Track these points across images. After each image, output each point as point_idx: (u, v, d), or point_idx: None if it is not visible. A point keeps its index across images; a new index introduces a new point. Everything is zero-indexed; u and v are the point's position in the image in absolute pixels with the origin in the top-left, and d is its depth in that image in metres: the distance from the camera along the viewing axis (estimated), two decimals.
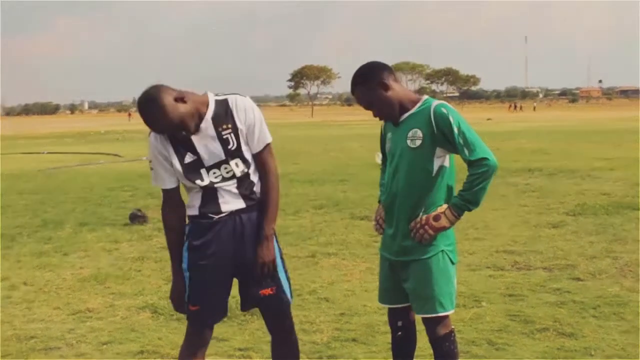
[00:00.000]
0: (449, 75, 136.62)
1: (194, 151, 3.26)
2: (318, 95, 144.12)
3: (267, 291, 3.40)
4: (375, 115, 3.55)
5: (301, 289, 6.19)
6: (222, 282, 3.41)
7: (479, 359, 4.48)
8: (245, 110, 3.31)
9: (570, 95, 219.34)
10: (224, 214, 3.33)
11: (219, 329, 5.17)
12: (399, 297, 3.64)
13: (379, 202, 3.82)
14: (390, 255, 3.58)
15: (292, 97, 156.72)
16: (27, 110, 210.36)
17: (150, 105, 3.16)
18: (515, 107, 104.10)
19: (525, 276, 6.44)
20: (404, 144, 3.44)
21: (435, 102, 3.42)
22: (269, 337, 4.95)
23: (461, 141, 3.32)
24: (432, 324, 3.49)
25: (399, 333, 3.75)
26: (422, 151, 3.40)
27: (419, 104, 3.46)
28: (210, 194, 3.32)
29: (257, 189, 3.44)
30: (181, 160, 3.27)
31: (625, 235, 7.96)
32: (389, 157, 3.61)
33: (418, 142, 3.39)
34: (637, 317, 5.14)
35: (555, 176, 13.92)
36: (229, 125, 3.28)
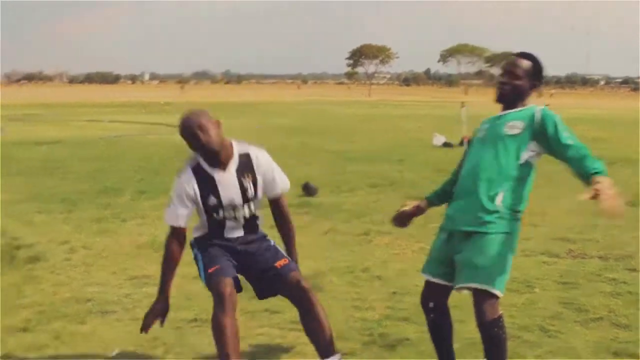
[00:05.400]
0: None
1: (217, 195, 3.71)
2: (376, 75, 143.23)
3: (282, 262, 3.81)
4: (499, 84, 3.66)
5: (354, 267, 6.23)
6: (232, 263, 3.81)
7: (531, 344, 4.44)
8: (264, 165, 3.80)
9: (632, 84, 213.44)
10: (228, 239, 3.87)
11: (271, 302, 5.23)
12: (442, 271, 3.65)
13: (426, 199, 3.97)
14: (455, 226, 3.59)
15: (350, 76, 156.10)
16: (89, 79, 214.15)
17: (201, 114, 3.67)
18: None
19: (580, 264, 6.35)
20: (501, 131, 3.57)
21: (542, 106, 3.57)
22: None
23: (566, 137, 3.44)
24: (480, 302, 3.41)
25: (432, 315, 3.75)
26: (517, 139, 3.52)
27: (523, 107, 3.64)
28: (217, 226, 3.83)
29: (259, 222, 3.96)
30: (204, 202, 3.72)
31: None
32: (477, 142, 3.69)
33: (516, 131, 3.52)
34: None
35: (615, 165, 13.61)
36: (249, 176, 3.76)
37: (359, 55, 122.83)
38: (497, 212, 3.48)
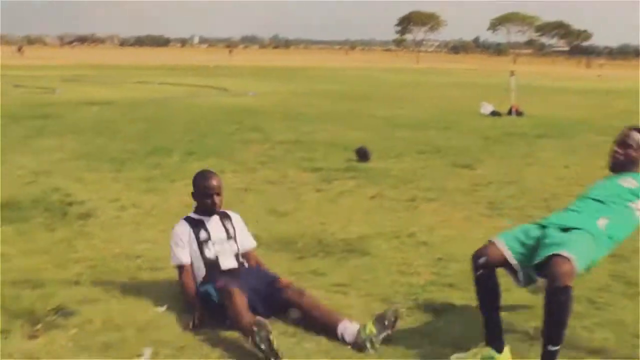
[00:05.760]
0: (560, 29, 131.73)
1: (206, 230, 4.55)
2: (424, 42, 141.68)
3: (286, 281, 4.32)
4: (614, 153, 4.09)
5: (400, 232, 6.23)
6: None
7: (579, 316, 4.36)
8: (238, 221, 4.76)
9: None
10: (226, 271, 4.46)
11: (316, 264, 5.29)
12: (515, 247, 3.73)
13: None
14: (552, 221, 3.85)
15: (398, 43, 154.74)
16: (140, 41, 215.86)
17: (218, 179, 4.70)
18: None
19: (630, 237, 6.23)
20: (615, 182, 4.01)
21: None
22: (367, 275, 5.07)
23: None
24: (556, 267, 3.40)
25: (480, 271, 3.74)
26: (630, 190, 3.93)
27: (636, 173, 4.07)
28: (213, 264, 4.45)
29: (246, 265, 4.60)
30: (197, 237, 4.51)
31: None
32: (589, 189, 4.09)
33: (630, 185, 3.94)
34: None
35: None
36: (229, 222, 4.69)
37: (407, 22, 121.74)
38: (596, 227, 3.77)
